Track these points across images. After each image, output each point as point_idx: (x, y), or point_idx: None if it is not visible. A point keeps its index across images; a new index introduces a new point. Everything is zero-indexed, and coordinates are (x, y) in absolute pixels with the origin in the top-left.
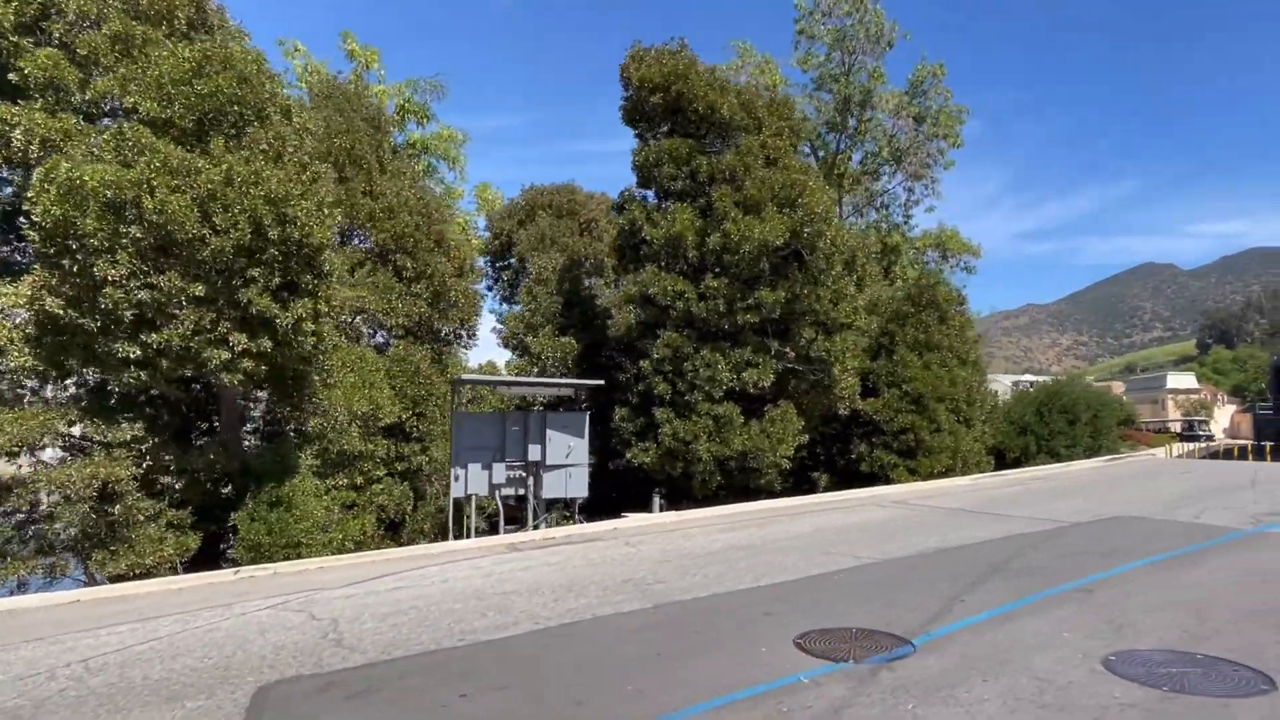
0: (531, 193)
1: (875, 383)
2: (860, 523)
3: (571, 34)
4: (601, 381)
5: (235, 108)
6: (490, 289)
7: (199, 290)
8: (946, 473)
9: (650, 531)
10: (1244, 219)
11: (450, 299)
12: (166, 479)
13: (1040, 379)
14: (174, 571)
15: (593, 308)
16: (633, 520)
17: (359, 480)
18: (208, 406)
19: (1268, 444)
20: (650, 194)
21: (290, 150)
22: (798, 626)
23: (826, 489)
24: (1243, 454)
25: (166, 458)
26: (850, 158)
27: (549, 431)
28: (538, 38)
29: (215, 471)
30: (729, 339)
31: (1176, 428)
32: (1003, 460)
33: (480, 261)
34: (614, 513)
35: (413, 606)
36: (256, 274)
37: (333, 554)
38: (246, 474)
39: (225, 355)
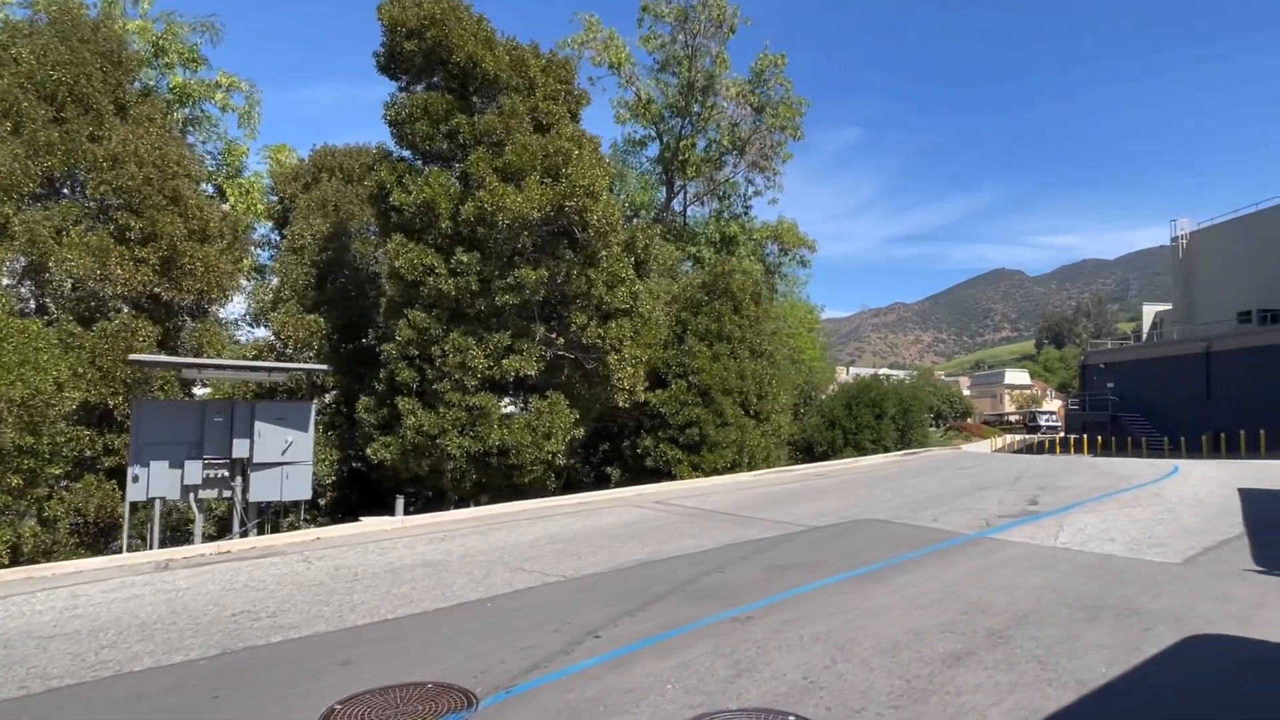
0: (320, 154)
1: (666, 374)
2: (593, 528)
3: None
4: (324, 366)
5: None
6: (274, 259)
7: None
8: (732, 468)
9: (352, 542)
10: (1081, 233)
11: (184, 266)
12: None
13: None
14: None
15: (358, 282)
16: (342, 529)
17: (15, 482)
18: None
19: (1072, 436)
20: (410, 155)
21: None
22: (363, 682)
23: (618, 484)
24: (1053, 447)
25: None
26: (694, 144)
27: (259, 424)
28: None
29: None
30: (487, 322)
31: (1015, 420)
32: (812, 454)
33: (265, 230)
34: (359, 515)
35: None
36: None
37: None
38: None
39: None
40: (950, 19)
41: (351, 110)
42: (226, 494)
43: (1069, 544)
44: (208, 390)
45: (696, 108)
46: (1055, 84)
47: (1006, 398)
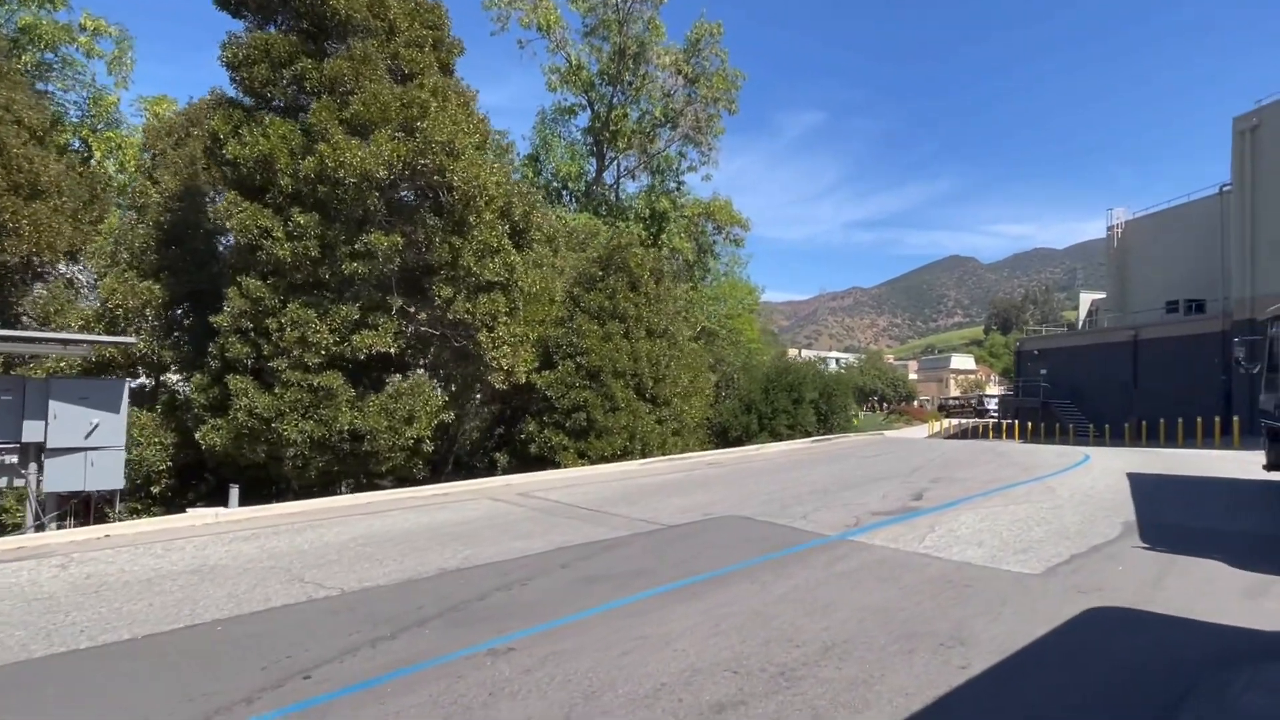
0: (197, 107)
1: (556, 354)
2: (425, 526)
3: None
4: (132, 339)
5: None
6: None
7: None
8: (623, 455)
9: (143, 541)
10: (1032, 223)
11: (4, 224)
12: None
13: (846, 356)
14: None
15: (211, 247)
16: (138, 525)
17: None
18: None
19: (1004, 421)
20: (252, 103)
21: None
22: None
23: (506, 471)
24: (986, 432)
25: None
26: (626, 114)
27: (55, 404)
28: None
29: None
30: (335, 293)
31: (957, 404)
32: (726, 439)
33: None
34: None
35: None
36: None
37: None
38: None
39: None
40: (917, 8)
41: None
42: (19, 483)
43: (930, 549)
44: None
45: (629, 76)
46: (1011, 77)
47: (952, 382)
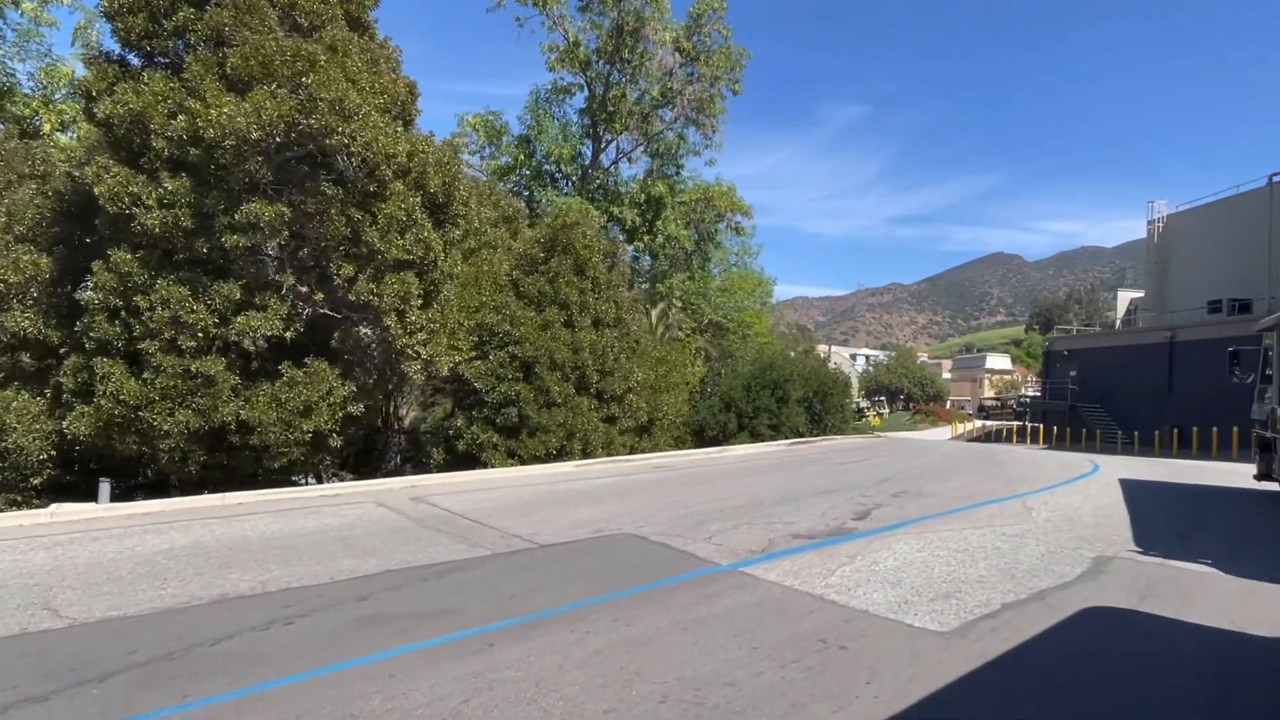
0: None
1: (490, 343)
2: (276, 534)
3: None
4: None
5: None
6: None
7: None
8: (559, 455)
9: None
10: (1080, 219)
11: None
12: None
13: (875, 353)
14: None
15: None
16: None
17: None
18: None
19: (1029, 425)
20: (135, 58)
21: None
22: None
23: (441, 469)
24: (1009, 436)
25: None
26: (625, 95)
27: None
28: None
29: None
30: (215, 270)
31: (993, 404)
32: (703, 439)
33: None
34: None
35: None
36: None
37: None
38: None
39: None
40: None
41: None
42: None
43: (832, 588)
44: None
45: (628, 54)
46: (1060, 68)
47: (986, 382)
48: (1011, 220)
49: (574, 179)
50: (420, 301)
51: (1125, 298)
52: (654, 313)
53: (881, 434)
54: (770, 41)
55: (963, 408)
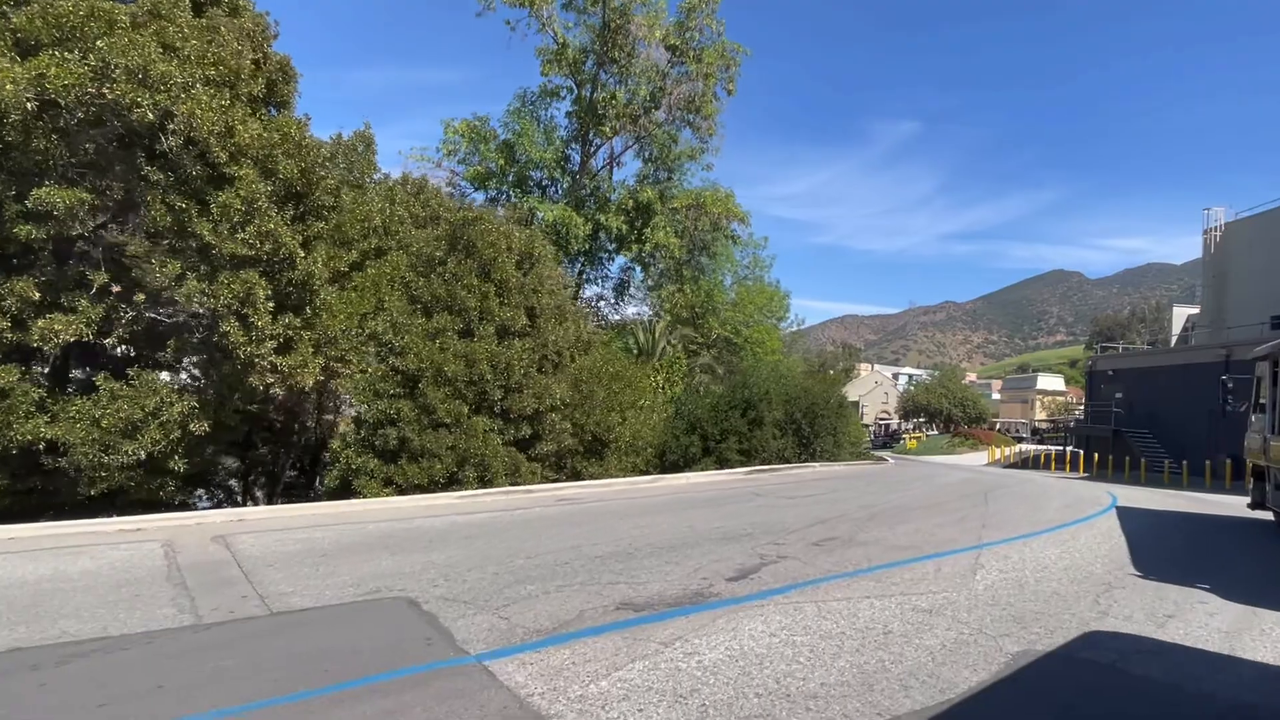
0: None
1: (371, 355)
2: None
3: None
4: None
5: None
6: None
7: None
8: (449, 483)
9: None
10: (1147, 236)
11: None
12: None
13: (918, 373)
14: None
15: None
16: None
17: None
18: None
19: (1069, 451)
20: None
21: None
22: None
23: (329, 497)
24: (1048, 462)
25: None
26: (615, 97)
27: None
28: None
29: None
30: (7, 265)
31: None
32: (664, 464)
33: None
34: None
35: None
36: None
37: None
38: None
39: None
40: (1015, 8)
41: (400, 91)
42: None
43: (581, 702)
44: None
45: (616, 53)
46: (1123, 77)
47: (1038, 404)
48: (1072, 237)
49: (564, 186)
50: (272, 305)
51: (1181, 314)
52: (658, 328)
53: (906, 458)
54: (818, 60)
55: (1008, 430)
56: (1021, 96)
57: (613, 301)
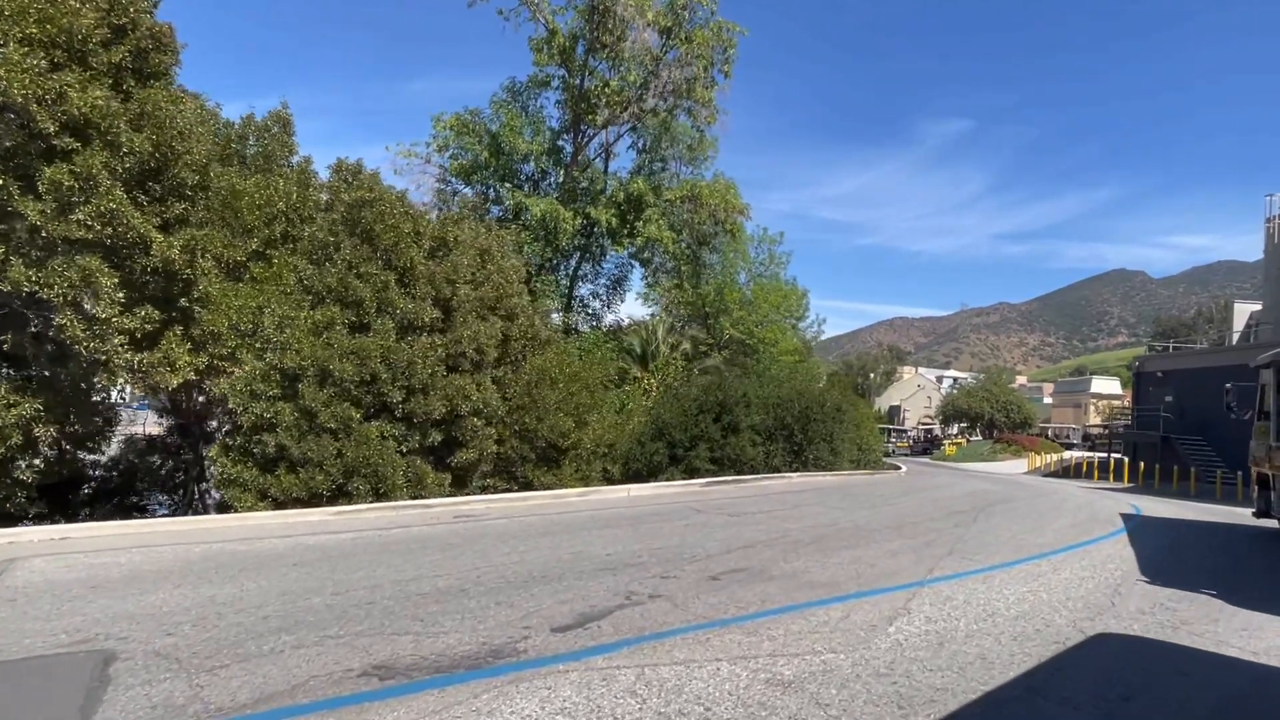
0: None
1: (249, 351)
2: None
3: None
4: None
5: None
6: None
7: None
8: (336, 496)
9: None
10: (1215, 233)
11: None
12: None
13: (963, 376)
14: None
15: None
16: None
17: None
18: None
19: (1113, 458)
20: None
21: None
22: None
23: (207, 511)
24: (1090, 471)
25: None
26: (608, 84)
27: None
28: None
29: None
30: None
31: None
32: (629, 473)
33: None
34: None
35: None
36: None
37: None
38: None
39: None
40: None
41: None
42: None
43: None
44: None
45: (606, 36)
46: (1186, 67)
47: (1092, 408)
48: (1133, 235)
49: (556, 179)
50: (122, 295)
51: (1243, 311)
52: (661, 328)
53: (938, 464)
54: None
55: (1058, 436)
56: (1078, 92)
57: (605, 300)
